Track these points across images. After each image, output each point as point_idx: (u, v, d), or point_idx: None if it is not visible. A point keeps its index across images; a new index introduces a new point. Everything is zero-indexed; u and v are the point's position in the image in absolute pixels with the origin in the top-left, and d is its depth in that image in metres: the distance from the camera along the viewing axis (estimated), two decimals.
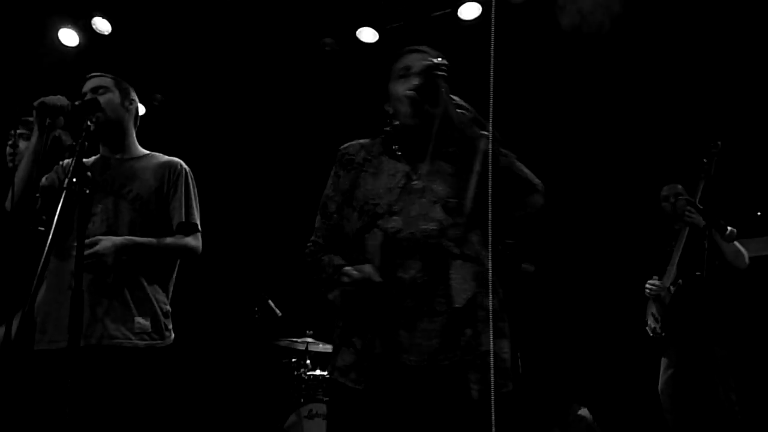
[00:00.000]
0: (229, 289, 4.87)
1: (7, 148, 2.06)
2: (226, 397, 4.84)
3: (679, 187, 3.78)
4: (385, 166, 1.57)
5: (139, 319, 1.94)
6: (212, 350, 4.76)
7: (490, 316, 1.36)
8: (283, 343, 3.91)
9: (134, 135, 2.15)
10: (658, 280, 3.70)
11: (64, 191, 1.43)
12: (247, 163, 5.07)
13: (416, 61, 1.56)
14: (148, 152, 2.16)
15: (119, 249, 1.89)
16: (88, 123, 1.65)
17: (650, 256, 3.83)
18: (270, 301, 4.00)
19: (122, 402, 1.88)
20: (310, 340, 3.85)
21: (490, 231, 1.35)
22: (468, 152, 1.46)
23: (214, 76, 4.37)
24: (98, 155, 2.13)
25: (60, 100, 1.84)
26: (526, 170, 1.52)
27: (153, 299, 2.00)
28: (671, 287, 3.54)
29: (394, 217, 1.48)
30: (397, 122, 1.60)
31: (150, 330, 1.96)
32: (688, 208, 3.35)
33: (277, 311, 4.01)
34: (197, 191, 2.17)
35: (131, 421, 1.90)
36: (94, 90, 2.04)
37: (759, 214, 3.41)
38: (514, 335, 1.55)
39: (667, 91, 4.20)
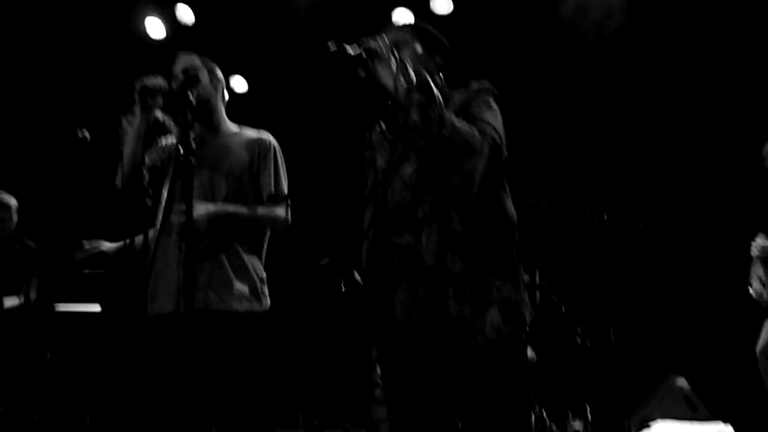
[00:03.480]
0: (315, 262, 5.03)
1: (119, 131, 2.22)
2: (317, 368, 5.03)
3: None
4: (385, 144, 1.71)
5: (238, 285, 2.06)
6: (303, 322, 4.95)
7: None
8: None
9: (224, 112, 2.26)
10: (765, 239, 3.49)
11: (173, 162, 1.52)
12: (330, 136, 5.18)
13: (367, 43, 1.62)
14: (238, 128, 2.27)
15: (212, 216, 2.00)
16: (190, 97, 1.75)
17: (756, 216, 3.62)
18: (356, 273, 4.09)
19: (225, 366, 2.01)
20: None
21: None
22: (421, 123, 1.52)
23: (290, 60, 4.49)
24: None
25: (159, 81, 1.96)
26: (465, 131, 1.50)
27: (250, 266, 2.11)
28: None
29: (387, 188, 1.62)
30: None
31: (248, 295, 2.08)
32: None
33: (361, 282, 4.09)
34: (285, 165, 2.26)
35: (233, 384, 2.03)
36: (185, 71, 2.15)
37: None
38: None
39: None
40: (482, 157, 1.52)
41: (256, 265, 2.15)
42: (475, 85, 1.65)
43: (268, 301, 2.16)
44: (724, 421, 3.52)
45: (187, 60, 2.18)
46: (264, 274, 2.18)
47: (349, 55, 1.51)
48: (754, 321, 3.53)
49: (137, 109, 1.99)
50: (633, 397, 4.08)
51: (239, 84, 4.40)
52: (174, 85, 2.02)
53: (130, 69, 2.30)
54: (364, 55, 1.51)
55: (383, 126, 1.76)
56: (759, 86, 4.16)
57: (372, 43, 1.52)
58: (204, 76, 2.17)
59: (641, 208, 4.11)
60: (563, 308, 3.90)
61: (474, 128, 1.52)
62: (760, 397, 3.44)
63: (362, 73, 1.53)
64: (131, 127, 2.02)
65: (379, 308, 1.59)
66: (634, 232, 3.63)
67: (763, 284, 3.46)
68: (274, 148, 2.22)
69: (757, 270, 3.54)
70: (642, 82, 4.48)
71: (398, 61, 1.53)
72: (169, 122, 2.27)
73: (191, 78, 1.87)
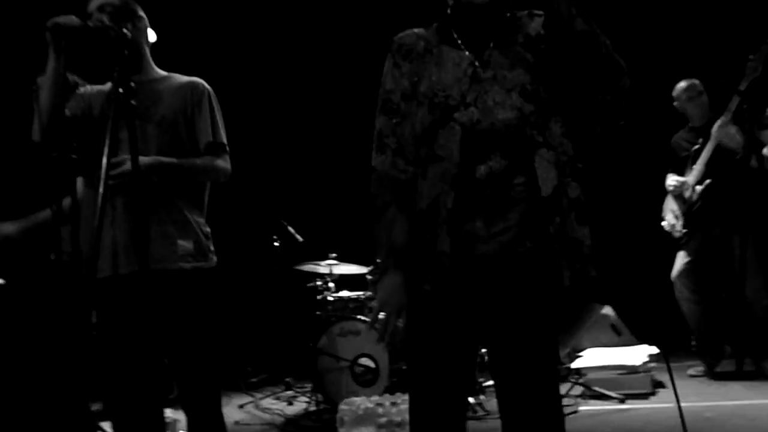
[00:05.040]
0: (247, 216, 4.87)
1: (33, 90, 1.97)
2: (256, 323, 4.94)
3: (697, 82, 3.73)
4: (446, 56, 1.46)
5: (182, 242, 1.93)
6: (237, 276, 4.81)
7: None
8: (306, 267, 3.94)
9: (149, 55, 2.06)
10: (676, 176, 3.72)
11: (111, 105, 1.35)
12: (262, 82, 4.95)
13: None
14: (166, 73, 2.07)
15: (147, 168, 1.83)
16: (125, 31, 1.55)
17: (668, 157, 3.83)
18: (289, 227, 4.00)
19: (176, 325, 1.90)
20: (333, 262, 3.87)
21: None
22: (546, 27, 1.38)
23: None
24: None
25: (72, 19, 1.74)
26: (609, 46, 1.39)
27: (192, 221, 1.97)
28: (697, 186, 3.56)
29: (470, 109, 1.40)
30: (456, 3, 1.46)
31: (194, 252, 1.95)
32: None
33: (298, 237, 4.02)
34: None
35: (185, 342, 1.93)
36: (101, 8, 1.92)
37: None
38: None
39: None
40: (628, 78, 1.42)
41: (199, 221, 2.01)
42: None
43: (215, 258, 2.04)
44: (648, 342, 3.80)
45: None
46: (208, 230, 2.04)
47: None
48: (667, 251, 3.79)
49: (51, 52, 1.77)
50: (563, 329, 4.31)
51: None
52: (91, 23, 1.81)
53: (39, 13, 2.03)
54: None
55: (428, 35, 1.51)
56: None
57: None
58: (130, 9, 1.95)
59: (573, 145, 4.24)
60: None
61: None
62: (676, 319, 3.73)
63: None
64: (46, 75, 1.80)
65: (446, 246, 1.39)
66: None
67: (676, 217, 3.70)
68: (209, 93, 2.04)
69: (671, 204, 3.78)
70: None
71: None
72: (80, 80, 2.04)
73: (118, 9, 1.66)
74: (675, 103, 3.80)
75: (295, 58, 4.98)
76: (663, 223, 3.81)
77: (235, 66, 4.77)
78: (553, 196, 1.38)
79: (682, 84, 3.76)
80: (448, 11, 1.49)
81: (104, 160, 1.27)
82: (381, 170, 1.49)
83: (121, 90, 1.35)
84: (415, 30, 1.54)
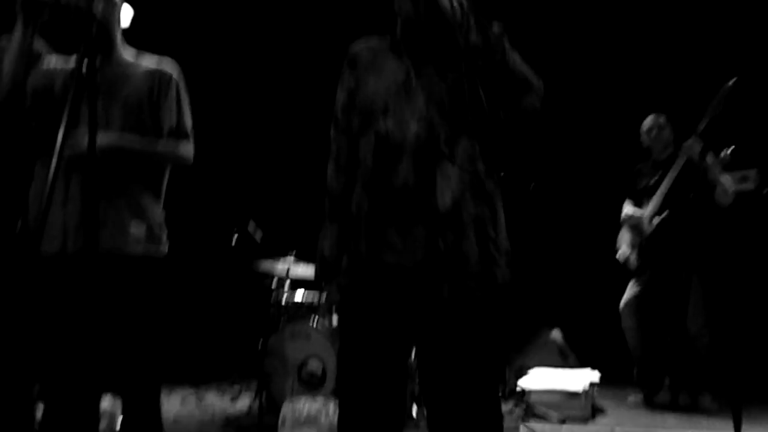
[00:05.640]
0: (209, 210, 4.82)
1: None
2: (208, 320, 4.87)
3: (663, 118, 3.84)
4: (388, 64, 1.52)
5: (134, 227, 1.90)
6: (194, 268, 4.74)
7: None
8: (264, 265, 3.91)
9: (120, 34, 2.03)
10: (633, 207, 3.82)
11: (73, 83, 1.34)
12: (229, 75, 4.92)
13: None
14: (136, 53, 2.05)
15: (106, 146, 1.81)
16: (95, 11, 1.54)
17: (627, 187, 3.94)
18: (250, 225, 3.97)
19: (118, 310, 1.86)
20: (291, 261, 3.85)
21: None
22: (461, 49, 1.42)
23: None
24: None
25: None
26: (523, 67, 1.44)
27: (147, 207, 1.95)
28: (655, 217, 3.66)
29: (388, 119, 1.45)
30: (400, 18, 1.53)
31: (145, 239, 1.92)
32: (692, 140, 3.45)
33: (257, 236, 3.99)
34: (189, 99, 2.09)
35: (126, 331, 1.89)
36: None
37: (731, 149, 3.53)
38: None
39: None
40: (539, 97, 1.45)
41: (154, 207, 1.98)
42: (496, 27, 1.51)
43: (166, 247, 2.02)
44: (591, 367, 3.88)
45: None
46: (162, 217, 2.02)
47: None
48: (619, 281, 3.89)
49: (19, 23, 1.74)
50: (512, 348, 4.37)
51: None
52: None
53: None
54: None
55: (378, 44, 1.58)
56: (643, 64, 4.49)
57: None
58: None
59: (530, 170, 4.32)
60: None
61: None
62: (620, 346, 3.83)
63: None
64: (11, 44, 1.76)
65: (363, 247, 1.46)
66: (525, 192, 3.82)
67: (631, 247, 3.80)
68: (177, 80, 2.03)
69: (625, 236, 3.88)
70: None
71: None
72: (46, 48, 2.01)
73: None
74: (641, 137, 3.90)
75: (266, 57, 4.96)
76: (618, 254, 3.90)
77: (207, 59, 4.73)
78: (451, 211, 1.41)
79: (648, 118, 3.88)
80: (398, 23, 1.55)
81: (59, 136, 1.25)
82: (327, 181, 1.60)
83: (84, 69, 1.34)
84: (371, 39, 1.61)
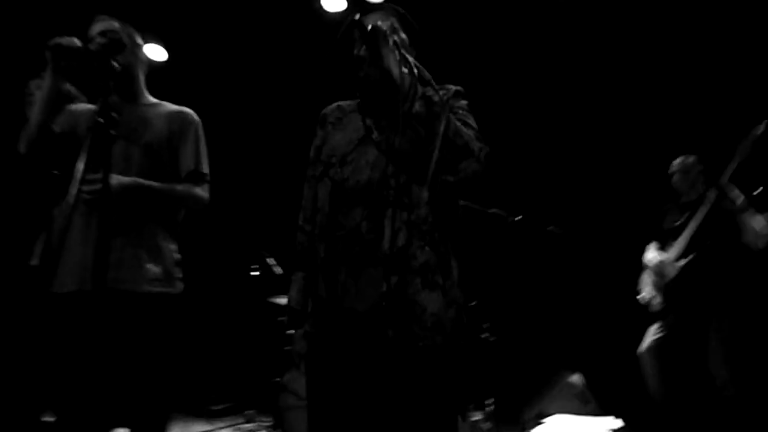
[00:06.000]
0: (228, 246, 4.89)
1: (27, 96, 2.03)
2: (224, 353, 4.90)
3: (691, 159, 3.79)
4: (352, 122, 1.64)
5: (151, 266, 1.95)
6: (211, 305, 4.80)
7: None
8: (280, 300, 3.94)
9: (143, 82, 2.12)
10: (659, 250, 3.76)
11: (90, 132, 1.41)
12: (250, 119, 5.03)
13: (365, 22, 1.59)
14: (157, 101, 2.14)
15: (125, 188, 1.88)
16: (114, 63, 1.62)
17: (652, 229, 3.88)
18: (269, 259, 4.02)
19: (133, 348, 1.90)
20: None
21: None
22: (414, 112, 1.51)
23: (220, 28, 4.31)
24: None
25: (74, 41, 1.81)
26: (465, 133, 1.52)
27: (163, 247, 2.00)
28: (680, 260, 3.60)
29: (345, 167, 1.56)
30: (363, 81, 1.63)
31: (161, 277, 1.97)
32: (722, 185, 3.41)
33: (277, 269, 4.03)
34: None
35: (142, 367, 1.93)
36: (102, 34, 2.00)
37: (759, 190, 3.47)
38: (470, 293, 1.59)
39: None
40: (479, 162, 1.51)
41: (170, 246, 2.04)
42: (452, 87, 1.62)
43: (182, 285, 2.06)
44: (613, 415, 3.77)
45: (106, 23, 2.03)
46: (178, 256, 2.07)
47: (363, 30, 1.47)
48: (642, 325, 3.80)
49: (48, 70, 1.83)
50: (531, 392, 4.29)
51: (158, 53, 4.16)
52: (92, 47, 1.87)
53: (41, 27, 2.10)
54: (372, 36, 1.45)
55: (348, 105, 1.70)
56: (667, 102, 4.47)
57: (381, 25, 1.46)
58: (125, 41, 2.02)
59: (552, 213, 4.31)
60: (472, 304, 4.02)
61: (471, 132, 1.51)
62: (642, 393, 3.72)
63: (365, 54, 1.48)
64: (40, 90, 1.85)
65: (323, 292, 1.54)
66: (543, 235, 3.80)
67: (655, 291, 3.73)
68: (197, 124, 2.11)
69: (648, 278, 3.81)
70: (555, 88, 4.69)
71: (399, 47, 1.46)
72: (75, 92, 2.10)
73: (114, 41, 1.73)
74: (671, 178, 3.86)
75: (281, 92, 5.06)
76: (639, 297, 3.83)
77: (224, 97, 4.86)
78: (397, 256, 1.46)
79: (677, 159, 3.84)
80: (358, 85, 1.66)
81: (76, 177, 1.31)
82: (297, 233, 1.70)
83: (101, 119, 1.41)
84: (341, 102, 1.74)
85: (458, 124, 1.50)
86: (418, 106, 1.47)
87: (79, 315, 1.88)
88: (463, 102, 1.61)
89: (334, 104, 1.73)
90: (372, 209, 1.50)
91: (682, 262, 3.60)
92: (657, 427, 3.75)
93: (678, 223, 3.69)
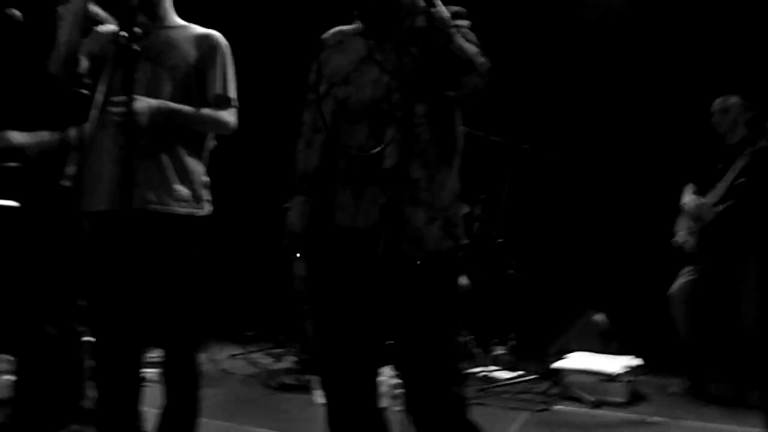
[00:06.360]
0: (262, 178, 4.96)
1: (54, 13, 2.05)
2: (254, 282, 5.06)
3: (733, 99, 3.64)
4: (352, 45, 1.65)
5: (178, 186, 2.00)
6: (243, 234, 4.92)
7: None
8: None
9: (170, 3, 2.11)
10: (697, 194, 3.67)
11: (115, 48, 1.42)
12: (282, 49, 5.00)
13: None
14: (185, 23, 2.14)
15: (154, 111, 1.90)
16: None
17: (693, 171, 3.78)
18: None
19: (163, 267, 1.97)
20: None
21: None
22: (417, 27, 1.50)
23: None
24: None
25: None
26: (467, 49, 1.50)
27: (191, 168, 2.04)
28: (719, 205, 3.52)
29: (348, 87, 1.59)
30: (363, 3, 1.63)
31: (190, 198, 2.02)
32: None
33: None
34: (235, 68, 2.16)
35: (171, 287, 2.00)
36: None
37: None
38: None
39: None
40: (481, 77, 1.52)
41: (198, 169, 2.08)
42: (453, 8, 1.60)
43: (210, 207, 2.11)
44: (635, 355, 3.80)
45: None
46: (207, 179, 2.12)
47: None
48: (671, 268, 3.76)
49: None
50: (554, 329, 4.33)
51: None
52: None
53: None
54: None
55: (349, 29, 1.70)
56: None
57: None
58: None
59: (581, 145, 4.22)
60: (499, 240, 4.04)
61: (473, 47, 1.52)
62: (669, 336, 3.73)
63: None
64: (67, 10, 1.87)
65: (317, 213, 1.59)
66: (568, 171, 3.74)
67: (690, 235, 3.67)
68: (224, 47, 2.10)
69: (684, 222, 3.74)
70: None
71: None
72: (105, 15, 2.11)
73: None
74: (713, 118, 3.72)
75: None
76: (674, 239, 3.78)
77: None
78: (393, 170, 1.50)
79: (718, 100, 3.68)
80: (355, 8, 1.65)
81: (98, 99, 1.34)
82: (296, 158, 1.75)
83: (125, 34, 1.42)
84: (343, 27, 1.73)
85: (461, 39, 1.49)
86: (420, 21, 1.48)
87: (110, 234, 1.96)
88: (464, 21, 1.60)
89: (335, 29, 1.74)
90: (374, 127, 1.53)
91: (720, 207, 3.52)
92: (675, 368, 3.76)
93: (719, 166, 3.58)
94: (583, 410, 3.19)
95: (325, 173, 1.60)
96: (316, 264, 1.62)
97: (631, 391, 3.42)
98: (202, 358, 2.15)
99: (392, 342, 1.55)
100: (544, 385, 3.49)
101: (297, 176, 1.73)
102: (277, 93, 4.95)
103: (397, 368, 1.61)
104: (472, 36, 1.57)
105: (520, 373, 3.73)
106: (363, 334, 1.57)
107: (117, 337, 1.96)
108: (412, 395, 1.55)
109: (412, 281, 1.51)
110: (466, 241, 1.63)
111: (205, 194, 2.10)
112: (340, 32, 1.72)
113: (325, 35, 1.74)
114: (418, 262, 1.50)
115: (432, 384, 1.52)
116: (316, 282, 1.62)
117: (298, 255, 1.66)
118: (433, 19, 1.44)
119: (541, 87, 4.66)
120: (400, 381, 1.59)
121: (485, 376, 3.66)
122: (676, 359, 3.72)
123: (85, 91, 1.85)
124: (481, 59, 1.52)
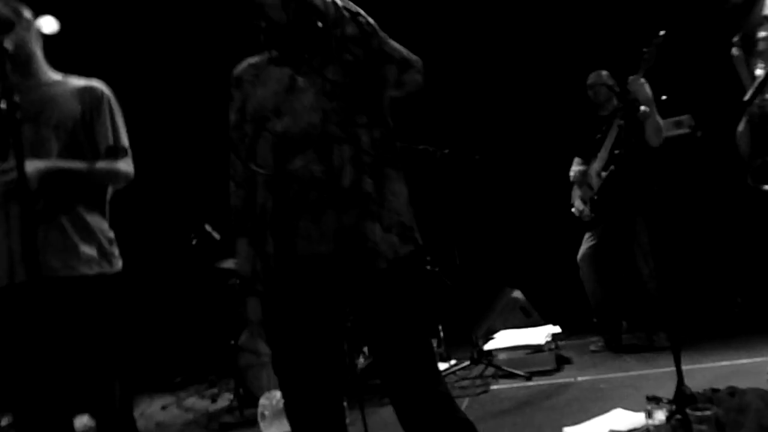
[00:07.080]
0: (164, 217, 4.79)
1: None
2: (177, 325, 4.88)
3: (604, 73, 3.96)
4: (271, 75, 1.60)
5: (84, 247, 1.91)
6: (155, 278, 4.73)
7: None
8: (226, 264, 3.94)
9: (42, 57, 2.01)
10: (582, 165, 3.96)
11: None
12: (172, 84, 4.85)
13: None
14: (61, 76, 2.04)
15: (44, 173, 1.81)
16: (5, 45, 1.53)
17: (577, 143, 4.06)
18: (207, 225, 3.99)
19: (79, 332, 1.87)
20: None
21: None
22: (339, 42, 1.48)
23: None
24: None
25: None
26: (400, 49, 1.54)
27: (95, 226, 1.96)
28: (602, 173, 3.80)
29: (282, 118, 1.53)
30: (265, 25, 1.59)
31: (97, 258, 1.94)
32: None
33: (215, 234, 4.01)
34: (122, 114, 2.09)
35: (93, 350, 1.90)
36: None
37: (664, 98, 3.66)
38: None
39: None
40: (420, 72, 1.52)
41: (101, 225, 1.99)
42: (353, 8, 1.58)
43: (120, 263, 2.04)
44: (554, 323, 4.04)
45: None
46: (112, 235, 2.03)
47: None
48: (575, 236, 4.04)
49: None
50: (478, 313, 4.52)
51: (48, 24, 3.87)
52: None
53: None
54: None
55: (259, 60, 1.65)
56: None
57: None
58: (12, 19, 1.90)
59: (480, 143, 4.43)
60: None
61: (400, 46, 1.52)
62: (581, 299, 4.00)
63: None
64: None
65: (278, 245, 1.53)
66: (472, 165, 3.92)
67: (584, 202, 3.95)
68: (108, 97, 2.02)
69: (577, 192, 4.03)
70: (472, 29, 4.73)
71: None
72: None
73: (3, 21, 1.63)
74: (588, 92, 4.01)
75: (207, 58, 4.92)
76: (572, 209, 4.05)
77: (146, 65, 4.66)
78: (351, 191, 1.50)
79: (591, 75, 3.99)
80: (262, 36, 1.61)
81: None
82: (230, 202, 1.67)
83: (3, 106, 1.35)
84: (250, 59, 1.68)
85: (389, 39, 1.51)
86: (350, 28, 1.45)
87: (15, 309, 1.84)
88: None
89: (244, 63, 1.68)
90: (320, 151, 1.49)
91: (604, 174, 3.81)
92: (591, 328, 4.05)
93: (598, 136, 3.88)
94: (519, 384, 3.36)
95: (275, 205, 1.54)
96: (279, 300, 1.55)
97: (557, 357, 3.64)
98: (134, 415, 2.07)
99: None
100: (478, 369, 3.64)
101: (234, 218, 1.66)
102: (170, 133, 4.81)
103: (380, 380, 1.59)
104: (387, 36, 1.56)
105: (453, 362, 3.86)
106: (329, 365, 1.54)
107: (41, 412, 1.86)
108: (402, 404, 1.52)
109: (379, 291, 1.50)
110: (421, 242, 1.61)
111: (113, 250, 2.02)
112: (252, 65, 1.65)
113: (237, 71, 1.67)
114: (382, 271, 1.49)
115: (419, 389, 1.50)
116: (278, 318, 1.56)
117: (251, 298, 1.61)
118: (361, 24, 1.44)
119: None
120: (386, 393, 1.58)
121: None
122: (590, 320, 4.00)
123: None
124: (414, 56, 1.53)
